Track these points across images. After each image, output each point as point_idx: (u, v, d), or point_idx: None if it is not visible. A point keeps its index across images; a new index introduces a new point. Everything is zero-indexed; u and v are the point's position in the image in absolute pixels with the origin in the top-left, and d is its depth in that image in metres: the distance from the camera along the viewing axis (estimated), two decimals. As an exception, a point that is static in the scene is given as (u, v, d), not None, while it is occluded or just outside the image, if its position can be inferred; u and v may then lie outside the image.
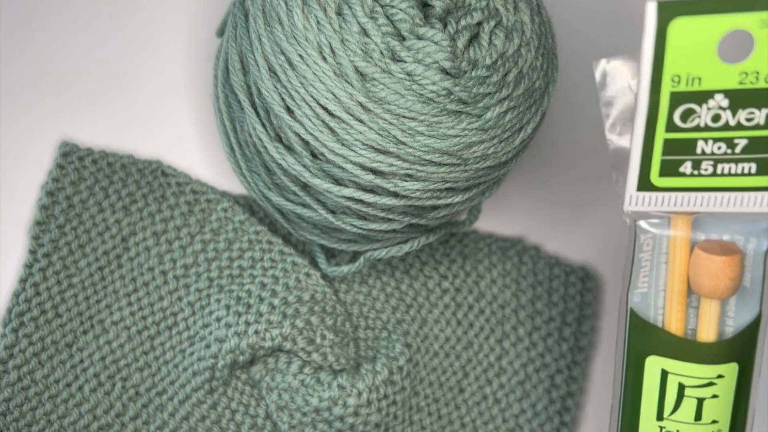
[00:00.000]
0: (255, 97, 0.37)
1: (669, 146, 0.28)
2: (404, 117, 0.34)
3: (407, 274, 0.45)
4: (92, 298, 0.42)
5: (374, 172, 0.35)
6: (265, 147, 0.37)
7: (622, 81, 0.29)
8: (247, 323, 0.40)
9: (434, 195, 0.37)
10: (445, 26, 0.35)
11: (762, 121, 0.27)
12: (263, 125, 0.37)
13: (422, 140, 0.34)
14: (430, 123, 0.34)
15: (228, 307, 0.42)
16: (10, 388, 0.40)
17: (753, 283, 0.29)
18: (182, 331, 0.42)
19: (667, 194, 0.29)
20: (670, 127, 0.28)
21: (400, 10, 0.34)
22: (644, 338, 0.31)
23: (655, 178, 0.29)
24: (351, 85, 0.33)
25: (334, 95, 0.34)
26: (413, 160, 0.35)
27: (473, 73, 0.35)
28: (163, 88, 0.45)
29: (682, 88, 0.27)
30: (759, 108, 0.27)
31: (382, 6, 0.34)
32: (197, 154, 0.45)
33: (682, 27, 0.26)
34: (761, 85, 0.27)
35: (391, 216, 0.38)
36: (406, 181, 0.35)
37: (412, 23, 0.35)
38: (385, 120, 0.34)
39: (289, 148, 0.37)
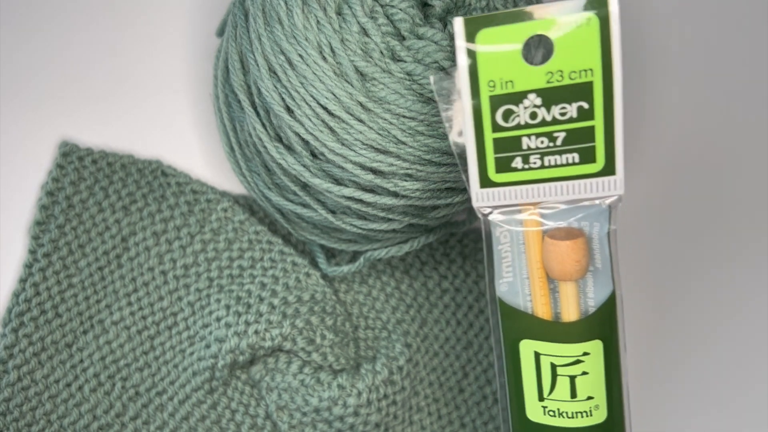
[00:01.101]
0: (255, 97, 0.37)
1: (498, 145, 0.31)
2: (404, 117, 0.34)
3: (407, 274, 0.45)
4: (92, 298, 0.42)
5: (374, 171, 0.35)
6: (265, 147, 0.37)
7: (454, 90, 0.32)
8: (247, 323, 0.40)
9: (434, 195, 0.37)
10: (445, 26, 0.35)
11: (575, 114, 0.30)
12: (263, 125, 0.37)
13: (422, 140, 0.34)
14: (430, 123, 0.34)
15: (228, 307, 0.42)
16: (10, 388, 0.40)
17: (603, 264, 0.32)
18: (182, 331, 0.42)
19: (506, 188, 0.32)
20: (496, 127, 0.31)
21: (400, 9, 0.34)
22: (515, 324, 0.33)
23: (492, 174, 0.32)
24: (351, 85, 0.33)
25: (334, 95, 0.34)
26: (413, 160, 0.35)
27: (473, 73, 0.35)
28: (163, 88, 0.45)
29: (498, 91, 0.30)
30: (569, 103, 0.30)
31: (382, 6, 0.34)
32: (197, 154, 0.45)
33: (487, 37, 0.30)
34: (567, 82, 0.30)
35: (391, 216, 0.38)
36: (406, 180, 0.35)
37: (411, 23, 0.35)
38: (385, 120, 0.34)
39: (289, 148, 0.37)
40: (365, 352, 0.43)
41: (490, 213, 0.33)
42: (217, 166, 0.45)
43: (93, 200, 0.43)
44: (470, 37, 0.30)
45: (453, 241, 0.45)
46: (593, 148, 0.30)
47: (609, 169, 0.30)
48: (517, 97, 0.30)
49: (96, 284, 0.42)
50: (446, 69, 0.33)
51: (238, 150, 0.40)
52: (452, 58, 0.34)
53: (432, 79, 0.32)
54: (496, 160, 0.31)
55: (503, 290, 0.33)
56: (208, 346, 0.41)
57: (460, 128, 0.32)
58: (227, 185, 0.45)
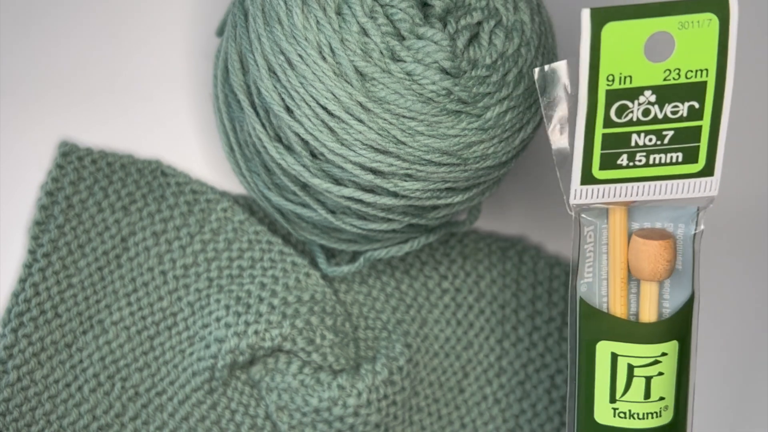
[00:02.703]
0: (255, 97, 0.37)
1: (607, 141, 0.31)
2: (404, 117, 0.34)
3: (407, 274, 0.45)
4: (92, 298, 0.42)
5: (374, 171, 0.35)
6: (264, 147, 0.37)
7: (560, 84, 0.32)
8: (247, 323, 0.40)
9: (434, 195, 0.37)
10: (445, 26, 0.35)
11: (685, 114, 0.30)
12: (263, 125, 0.37)
13: (422, 140, 0.34)
14: (430, 123, 0.34)
15: (228, 307, 0.42)
16: (10, 388, 0.40)
17: (684, 266, 0.32)
18: (182, 331, 0.42)
19: (607, 186, 0.32)
20: (608, 122, 0.31)
21: (400, 9, 0.34)
22: (594, 325, 0.33)
23: (596, 171, 0.31)
24: (351, 85, 0.33)
25: (334, 95, 0.33)
26: (413, 160, 0.35)
27: (473, 73, 0.35)
28: (163, 88, 0.45)
29: (616, 86, 0.30)
30: (682, 102, 0.30)
31: (381, 6, 0.34)
32: (197, 154, 0.45)
33: (612, 31, 0.29)
34: (682, 80, 0.30)
35: (391, 216, 0.38)
36: (405, 181, 0.35)
37: (411, 23, 0.35)
38: (385, 120, 0.34)
39: (289, 148, 0.37)
40: (365, 352, 0.43)
41: (583, 210, 0.33)
42: (217, 166, 0.45)
43: (92, 200, 0.43)
44: (596, 29, 0.29)
45: (453, 241, 0.45)
46: (697, 148, 0.30)
47: (708, 170, 0.31)
48: (634, 93, 0.30)
49: (96, 284, 0.42)
50: (550, 64, 0.33)
51: (238, 150, 0.40)
52: (452, 58, 0.34)
53: (536, 72, 0.32)
54: (602, 156, 0.31)
55: (583, 290, 0.33)
56: (207, 347, 0.41)
57: (561, 123, 0.32)
58: (227, 185, 0.45)
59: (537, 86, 0.32)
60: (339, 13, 0.34)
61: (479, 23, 0.36)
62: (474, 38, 0.36)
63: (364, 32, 0.34)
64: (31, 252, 0.42)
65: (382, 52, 0.34)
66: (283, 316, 0.40)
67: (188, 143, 0.45)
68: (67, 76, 0.45)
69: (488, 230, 0.46)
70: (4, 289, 0.42)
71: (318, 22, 0.34)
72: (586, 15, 0.29)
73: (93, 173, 0.43)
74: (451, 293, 0.45)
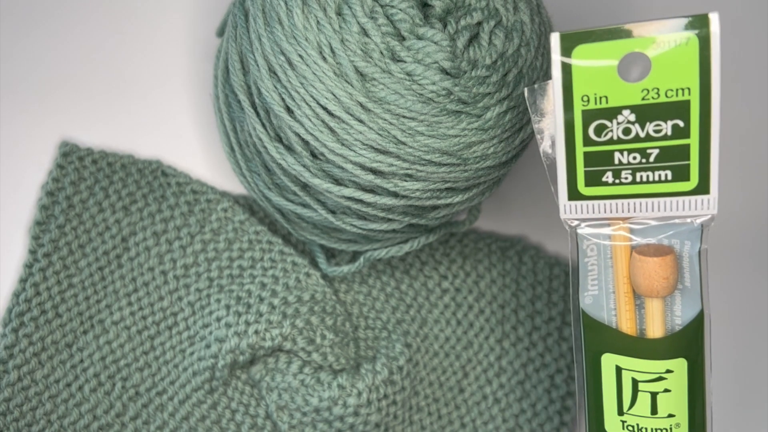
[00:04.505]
0: (255, 97, 0.37)
1: (589, 158, 0.31)
2: (404, 117, 0.34)
3: (407, 274, 0.45)
4: (92, 298, 0.42)
5: (374, 172, 0.35)
6: (265, 147, 0.37)
7: (549, 102, 0.32)
8: (247, 323, 0.40)
9: (434, 195, 0.37)
10: (445, 26, 0.35)
11: (669, 132, 0.30)
12: (263, 125, 0.37)
13: (422, 140, 0.34)
14: (430, 123, 0.34)
15: (228, 307, 0.42)
16: (10, 388, 0.40)
17: (693, 282, 0.32)
18: (182, 331, 0.42)
19: (595, 202, 0.32)
20: (587, 141, 0.31)
21: (400, 10, 0.34)
22: (597, 337, 0.33)
23: (582, 187, 0.32)
24: (351, 85, 0.33)
25: (334, 95, 0.34)
26: (413, 160, 0.35)
27: (473, 73, 0.35)
28: (163, 88, 0.45)
29: (592, 106, 0.30)
30: (664, 120, 0.30)
31: (382, 6, 0.34)
32: (197, 154, 0.45)
33: (583, 52, 0.30)
34: (663, 99, 0.30)
35: (391, 216, 0.38)
36: (406, 181, 0.35)
37: (411, 23, 0.35)
38: (385, 120, 0.34)
39: (289, 148, 0.37)
40: (365, 352, 0.43)
41: (578, 225, 0.33)
42: (217, 166, 0.45)
43: (93, 200, 0.43)
44: (566, 51, 0.30)
45: (453, 241, 0.45)
46: (687, 166, 0.30)
47: (703, 188, 0.30)
48: (611, 113, 0.30)
49: (96, 284, 0.42)
50: (540, 82, 0.33)
51: (238, 150, 0.40)
52: (452, 58, 0.34)
53: (525, 91, 0.32)
54: (586, 173, 0.31)
55: (587, 303, 0.33)
56: (208, 346, 0.41)
57: (551, 140, 0.32)
58: (227, 185, 0.45)
59: (528, 104, 0.33)
60: (339, 13, 0.34)
61: (479, 23, 0.36)
62: (474, 38, 0.36)
63: (365, 32, 0.34)
64: (32, 252, 0.42)
65: (382, 53, 0.34)
66: (284, 316, 0.41)
67: (189, 143, 0.45)
68: (68, 76, 0.45)
69: (488, 230, 0.46)
70: (5, 288, 0.42)
71: (318, 22, 0.34)
72: (555, 38, 0.30)
73: (94, 173, 0.43)
74: (451, 293, 0.45)
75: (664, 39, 0.29)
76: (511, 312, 0.45)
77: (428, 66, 0.34)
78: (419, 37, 0.35)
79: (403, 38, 0.35)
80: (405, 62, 0.34)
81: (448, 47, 0.34)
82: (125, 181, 0.43)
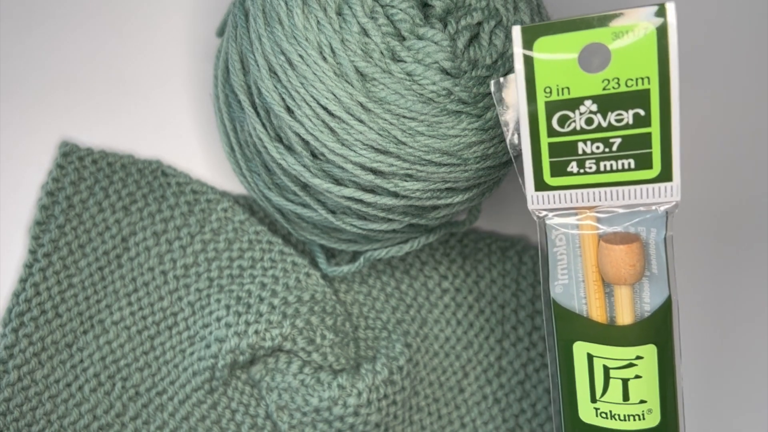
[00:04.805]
0: (255, 97, 0.37)
1: (554, 149, 0.32)
2: (404, 117, 0.34)
3: (407, 274, 0.45)
4: (92, 298, 0.42)
5: (374, 172, 0.35)
6: (265, 147, 0.37)
7: (513, 95, 0.33)
8: (247, 323, 0.40)
9: (434, 195, 0.37)
10: (445, 26, 0.35)
11: (631, 121, 0.31)
12: (263, 125, 0.37)
13: (422, 140, 0.34)
14: (430, 123, 0.34)
15: (228, 307, 0.42)
16: (10, 388, 0.40)
17: (660, 269, 0.33)
18: (182, 331, 0.42)
19: (561, 192, 0.32)
20: (551, 132, 0.31)
21: (400, 10, 0.34)
22: (569, 326, 0.34)
23: (548, 178, 0.32)
24: (351, 85, 0.33)
25: (334, 95, 0.34)
26: (413, 160, 0.35)
27: (473, 73, 0.35)
28: (164, 88, 0.45)
29: (555, 97, 0.31)
30: (625, 110, 0.30)
31: (382, 6, 0.34)
32: (197, 154, 0.45)
33: (544, 45, 0.30)
34: (623, 89, 0.30)
35: (391, 216, 0.38)
36: (406, 181, 0.35)
37: (412, 23, 0.35)
38: (385, 120, 0.34)
39: (289, 148, 0.37)
40: (365, 352, 0.43)
41: (546, 216, 0.33)
42: (217, 166, 0.45)
43: (93, 200, 0.43)
44: (527, 44, 0.30)
45: (453, 241, 0.45)
46: (650, 154, 0.31)
47: (665, 176, 0.31)
48: (573, 104, 0.31)
49: (96, 284, 0.42)
50: (506, 75, 0.34)
51: (238, 150, 0.40)
52: (452, 58, 0.34)
53: (492, 84, 0.33)
54: (552, 164, 0.32)
55: (558, 292, 0.34)
56: (208, 346, 0.41)
57: (517, 132, 0.33)
58: (227, 185, 0.45)
59: (494, 97, 0.33)
60: (339, 13, 0.34)
61: (479, 23, 0.36)
62: (474, 38, 0.36)
63: (365, 32, 0.34)
64: (32, 252, 0.42)
65: (382, 53, 0.34)
66: (284, 316, 0.41)
67: (189, 143, 0.45)
68: (68, 76, 0.45)
69: (488, 230, 0.46)
70: (5, 288, 0.42)
71: (318, 22, 0.34)
72: (516, 32, 0.30)
73: (94, 173, 0.43)
74: (451, 293, 0.45)
75: (623, 29, 0.29)
76: (511, 312, 0.45)
77: (428, 66, 0.34)
78: (419, 37, 0.35)
79: (404, 38, 0.35)
80: (405, 62, 0.34)
81: (448, 47, 0.34)
82: (125, 181, 0.43)
